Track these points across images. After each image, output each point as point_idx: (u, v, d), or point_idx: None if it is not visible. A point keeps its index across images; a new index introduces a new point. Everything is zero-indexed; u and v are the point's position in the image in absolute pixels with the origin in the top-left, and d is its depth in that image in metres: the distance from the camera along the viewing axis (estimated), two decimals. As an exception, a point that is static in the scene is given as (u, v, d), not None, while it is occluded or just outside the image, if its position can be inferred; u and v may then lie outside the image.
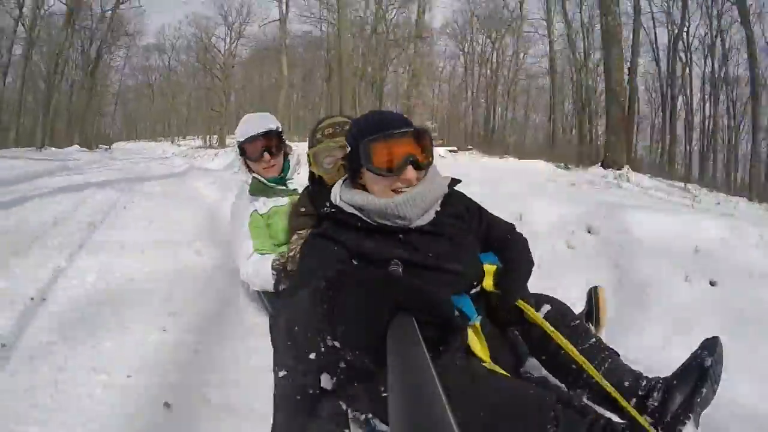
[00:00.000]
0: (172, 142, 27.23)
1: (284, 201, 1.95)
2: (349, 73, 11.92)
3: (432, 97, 20.66)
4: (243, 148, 1.94)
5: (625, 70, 11.50)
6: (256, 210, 1.91)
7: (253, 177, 1.96)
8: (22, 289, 1.99)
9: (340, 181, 1.26)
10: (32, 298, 1.93)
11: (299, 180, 2.02)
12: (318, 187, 1.69)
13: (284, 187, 2.00)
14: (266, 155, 1.91)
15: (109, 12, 20.32)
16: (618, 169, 8.18)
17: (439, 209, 1.22)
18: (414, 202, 1.13)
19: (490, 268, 1.23)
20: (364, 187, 1.18)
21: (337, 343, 0.59)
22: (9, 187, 4.30)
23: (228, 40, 26.06)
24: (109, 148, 20.85)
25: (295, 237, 1.62)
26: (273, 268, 1.70)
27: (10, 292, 1.96)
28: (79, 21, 18.46)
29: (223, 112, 22.82)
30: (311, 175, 1.73)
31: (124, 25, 22.61)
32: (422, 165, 1.14)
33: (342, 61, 11.57)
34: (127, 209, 3.70)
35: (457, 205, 1.30)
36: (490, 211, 1.38)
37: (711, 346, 1.12)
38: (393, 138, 1.11)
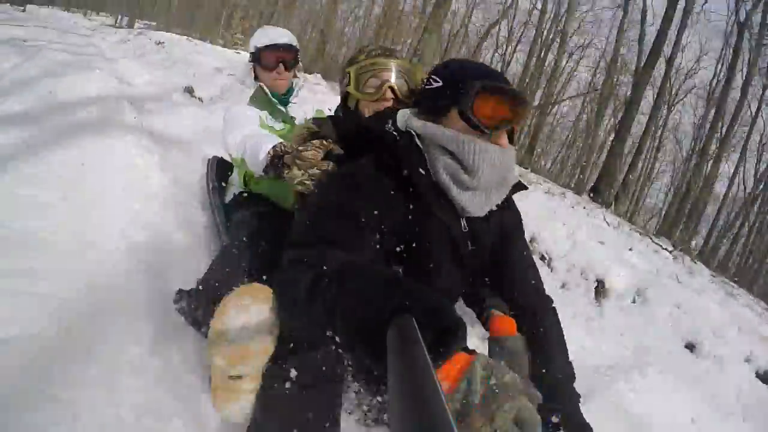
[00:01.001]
0: (84, 15, 27.65)
1: (280, 126, 1.90)
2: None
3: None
4: (259, 54, 1.90)
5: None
6: (260, 116, 1.85)
7: (259, 85, 1.91)
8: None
9: (408, 110, 1.07)
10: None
11: (297, 111, 1.99)
12: (349, 113, 1.43)
13: (284, 110, 1.94)
14: (281, 66, 1.89)
15: None
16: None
17: (495, 209, 1.03)
18: (490, 156, 0.95)
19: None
20: None
21: (337, 338, 0.58)
22: None
23: None
24: (24, 9, 20.64)
25: (304, 130, 1.32)
26: (274, 148, 1.49)
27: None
28: None
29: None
30: (344, 99, 1.49)
31: None
32: (513, 136, 0.99)
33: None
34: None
35: (511, 218, 1.12)
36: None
37: None
38: (503, 93, 0.96)
